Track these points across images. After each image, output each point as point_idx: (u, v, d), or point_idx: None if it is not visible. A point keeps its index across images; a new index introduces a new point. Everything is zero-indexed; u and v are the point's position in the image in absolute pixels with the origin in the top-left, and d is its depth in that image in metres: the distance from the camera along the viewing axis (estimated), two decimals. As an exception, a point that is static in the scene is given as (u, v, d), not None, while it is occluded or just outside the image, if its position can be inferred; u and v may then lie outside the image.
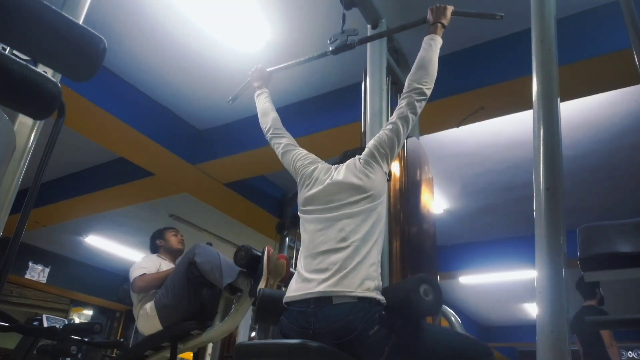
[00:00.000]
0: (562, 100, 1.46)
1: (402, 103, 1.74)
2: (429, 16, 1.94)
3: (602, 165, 4.52)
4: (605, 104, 3.71)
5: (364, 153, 1.74)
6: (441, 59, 3.48)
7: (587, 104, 3.61)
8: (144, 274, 2.62)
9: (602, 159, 4.43)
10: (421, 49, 1.83)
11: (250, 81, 2.33)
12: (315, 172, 1.78)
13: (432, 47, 1.82)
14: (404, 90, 1.76)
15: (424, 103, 1.75)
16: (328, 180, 1.71)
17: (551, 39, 1.49)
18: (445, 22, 1.91)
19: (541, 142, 1.39)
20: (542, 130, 1.40)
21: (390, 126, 1.72)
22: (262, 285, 2.19)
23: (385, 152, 1.70)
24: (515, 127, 3.92)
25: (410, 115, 1.72)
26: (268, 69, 2.30)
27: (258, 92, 2.26)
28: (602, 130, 4.03)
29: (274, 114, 2.14)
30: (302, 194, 1.77)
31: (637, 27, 1.39)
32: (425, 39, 1.85)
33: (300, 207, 1.77)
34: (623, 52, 2.71)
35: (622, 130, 4.01)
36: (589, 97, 3.32)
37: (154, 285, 2.59)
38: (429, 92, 1.76)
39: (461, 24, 3.21)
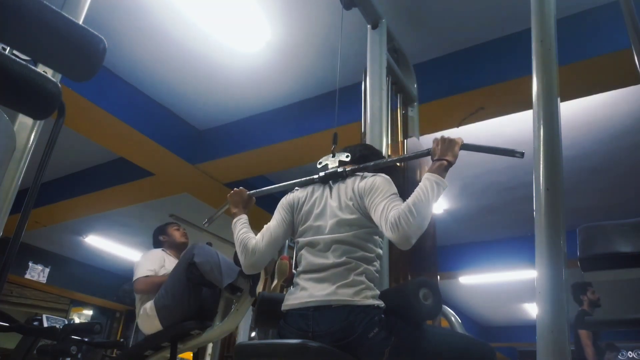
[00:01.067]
0: (562, 100, 1.46)
1: (382, 224, 1.47)
2: (434, 148, 1.61)
3: (602, 165, 4.52)
4: (605, 104, 3.71)
5: (362, 190, 1.60)
6: (441, 59, 3.50)
7: (587, 104, 3.61)
8: (148, 276, 2.62)
9: (602, 159, 4.42)
10: (422, 183, 1.51)
11: (229, 206, 2.01)
12: (306, 206, 1.72)
13: (434, 191, 1.49)
14: (389, 220, 1.44)
15: (399, 244, 1.45)
16: (322, 207, 1.67)
17: (551, 39, 1.49)
18: (451, 159, 1.56)
19: (541, 142, 1.39)
20: (542, 130, 1.40)
21: (376, 215, 1.51)
22: (261, 285, 2.19)
23: (365, 212, 1.57)
24: (515, 127, 3.92)
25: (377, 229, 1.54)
26: (248, 193, 1.99)
27: (235, 218, 1.90)
28: (602, 130, 4.03)
29: (254, 246, 1.74)
30: (300, 228, 1.72)
31: (637, 27, 1.39)
32: (428, 176, 1.52)
33: (297, 238, 1.73)
34: (623, 52, 2.71)
35: (622, 130, 4.01)
36: (589, 97, 3.33)
37: (156, 289, 2.59)
38: (411, 241, 1.42)
39: (461, 24, 3.23)
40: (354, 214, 1.59)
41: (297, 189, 1.82)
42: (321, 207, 1.68)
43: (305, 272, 1.62)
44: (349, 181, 1.68)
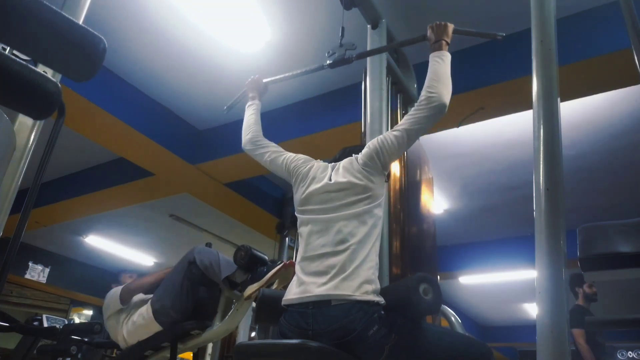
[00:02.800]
0: (562, 100, 1.46)
1: (416, 113, 1.65)
2: (430, 34, 1.83)
3: (602, 165, 4.53)
4: (605, 104, 3.72)
5: (363, 153, 1.69)
6: (441, 59, 3.49)
7: (587, 104, 3.61)
8: (126, 285, 2.60)
9: (602, 158, 4.43)
10: (432, 63, 1.73)
11: (246, 91, 2.31)
12: (311, 171, 1.76)
13: (445, 62, 1.72)
14: (421, 101, 1.65)
15: (440, 117, 1.65)
16: (325, 180, 1.69)
17: (551, 39, 1.49)
18: (448, 39, 1.80)
19: (541, 142, 1.39)
20: (542, 130, 1.40)
21: (397, 132, 1.66)
22: (256, 287, 2.18)
23: (385, 158, 1.66)
24: (515, 127, 3.92)
25: (421, 129, 1.66)
26: (264, 80, 2.27)
27: (250, 102, 2.25)
28: (602, 130, 4.03)
29: (254, 127, 2.13)
30: (299, 194, 1.75)
31: (637, 27, 1.39)
32: (434, 54, 1.75)
33: (297, 207, 1.75)
34: (623, 52, 2.71)
35: (622, 130, 4.01)
36: (589, 97, 3.33)
37: (141, 290, 2.57)
38: (447, 105, 1.64)
39: (461, 24, 3.22)
40: (360, 180, 1.62)
41: (299, 159, 1.88)
42: (321, 187, 1.69)
43: (305, 259, 1.61)
44: (346, 162, 1.72)
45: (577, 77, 2.98)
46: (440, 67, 1.70)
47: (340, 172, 1.68)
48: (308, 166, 1.81)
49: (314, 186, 1.70)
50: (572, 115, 3.79)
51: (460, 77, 3.28)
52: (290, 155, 1.93)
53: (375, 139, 1.72)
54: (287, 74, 2.22)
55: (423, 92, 1.67)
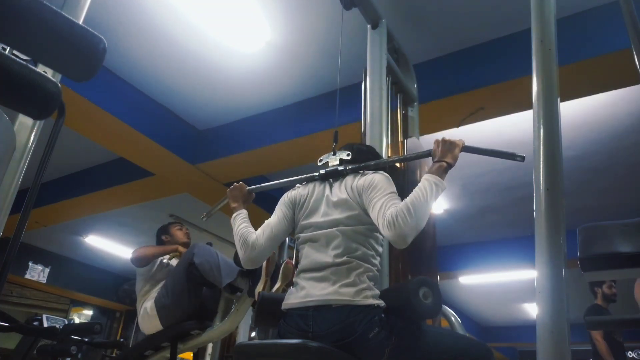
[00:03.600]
0: (562, 100, 1.46)
1: (380, 222, 1.47)
2: (435, 149, 1.62)
3: (602, 165, 4.52)
4: (605, 104, 3.71)
5: (359, 185, 1.62)
6: (441, 59, 3.50)
7: (587, 104, 3.61)
8: (144, 246, 2.71)
9: (602, 159, 4.42)
10: (423, 182, 1.51)
11: (228, 201, 2.00)
12: (308, 203, 1.72)
13: (433, 192, 1.49)
14: (390, 219, 1.43)
15: (390, 232, 1.43)
16: (323, 207, 1.67)
17: (551, 39, 1.49)
18: (451, 161, 1.57)
19: (541, 142, 1.39)
20: (542, 130, 1.40)
21: (376, 214, 1.50)
22: (260, 287, 2.19)
23: (364, 209, 1.58)
24: (515, 127, 3.92)
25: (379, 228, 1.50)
26: (248, 188, 2.00)
27: (235, 212, 1.89)
28: (602, 130, 4.03)
29: (254, 240, 1.75)
30: (301, 224, 1.72)
31: (637, 27, 1.39)
32: (427, 177, 1.53)
33: (297, 233, 1.74)
34: (623, 52, 2.70)
35: (622, 131, 4.01)
36: (589, 97, 3.32)
37: (149, 259, 2.66)
38: (408, 241, 1.43)
39: (461, 24, 3.23)
40: (354, 210, 1.60)
41: (299, 186, 1.83)
42: (322, 204, 1.69)
43: (305, 270, 1.62)
44: (349, 178, 1.69)
45: (577, 77, 2.97)
46: (426, 195, 1.47)
47: (342, 189, 1.67)
48: (302, 199, 1.74)
49: (313, 219, 1.68)
50: (572, 115, 3.79)
51: (460, 77, 3.31)
52: (274, 219, 1.77)
53: (377, 195, 1.55)
54: (273, 182, 2.00)
55: (391, 214, 1.43)
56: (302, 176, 1.83)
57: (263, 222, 1.80)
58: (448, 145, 1.60)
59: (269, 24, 3.20)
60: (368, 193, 1.57)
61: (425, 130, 3.14)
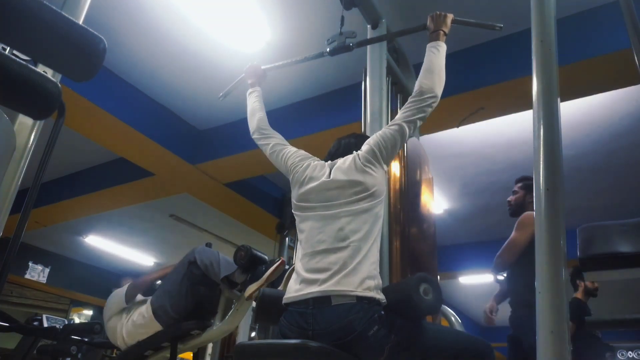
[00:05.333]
0: (562, 100, 1.46)
1: (411, 106, 1.70)
2: (429, 23, 1.90)
3: (602, 165, 4.53)
4: (605, 104, 3.72)
5: (365, 150, 1.69)
6: (441, 59, 3.49)
7: (587, 104, 3.61)
8: (131, 282, 2.62)
9: (602, 158, 4.43)
10: (428, 53, 1.79)
11: (245, 77, 2.28)
12: (308, 169, 1.75)
13: (440, 52, 1.79)
14: (415, 93, 1.72)
15: (434, 107, 1.73)
16: (324, 178, 1.68)
17: (551, 39, 1.49)
18: (446, 30, 1.87)
19: (541, 142, 1.39)
20: (542, 130, 1.40)
21: (395, 127, 1.68)
22: (254, 287, 2.18)
23: (387, 152, 1.67)
24: (515, 127, 3.92)
25: (418, 120, 1.70)
26: (263, 67, 2.25)
27: (250, 90, 2.21)
28: (602, 130, 4.03)
29: (260, 114, 2.11)
30: (296, 192, 1.75)
31: (637, 27, 1.39)
32: (430, 45, 1.82)
33: (295, 204, 1.74)
34: (623, 52, 2.71)
35: (622, 130, 4.01)
36: (589, 97, 3.33)
37: (147, 285, 2.61)
38: (439, 96, 1.73)
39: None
40: (362, 175, 1.61)
41: (299, 157, 1.86)
42: (320, 181, 1.69)
43: (305, 256, 1.60)
44: (347, 159, 1.70)
45: (577, 77, 2.98)
46: (435, 57, 1.76)
47: (341, 169, 1.67)
48: (305, 164, 1.79)
49: (311, 184, 1.69)
50: (572, 115, 3.79)
51: (460, 77, 3.31)
52: (290, 150, 1.92)
53: (375, 135, 1.73)
54: (285, 61, 2.22)
55: (417, 84, 1.73)
56: (312, 54, 2.08)
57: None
58: (442, 17, 1.88)
59: (269, 24, 3.20)
60: (380, 141, 1.67)
61: (425, 130, 3.14)
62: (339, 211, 1.60)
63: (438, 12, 1.89)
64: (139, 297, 2.67)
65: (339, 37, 2.03)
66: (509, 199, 3.26)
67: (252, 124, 2.09)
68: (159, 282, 2.68)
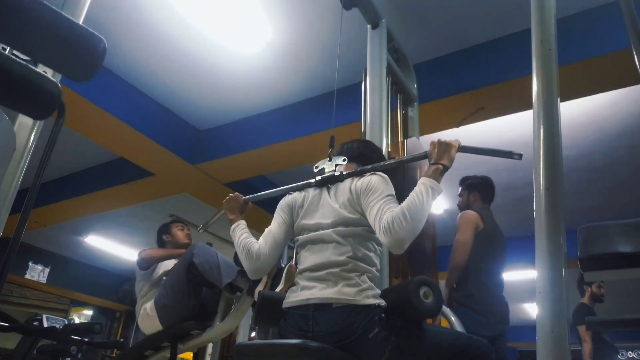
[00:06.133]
0: (562, 100, 1.46)
1: (378, 226, 1.46)
2: (431, 150, 1.60)
3: (602, 165, 4.52)
4: (605, 104, 3.71)
5: (359, 189, 1.60)
6: (441, 59, 3.50)
7: (587, 104, 3.61)
8: (146, 249, 2.74)
9: (602, 159, 4.42)
10: (419, 186, 1.49)
11: (224, 212, 1.99)
12: (305, 206, 1.72)
13: (430, 196, 1.48)
14: (386, 224, 1.42)
15: (386, 237, 1.43)
16: (322, 208, 1.67)
17: (551, 39, 1.49)
18: (447, 163, 1.56)
19: (541, 142, 1.39)
20: (542, 130, 1.40)
21: (373, 218, 1.50)
22: (260, 287, 2.19)
23: (363, 213, 1.57)
24: (515, 127, 3.91)
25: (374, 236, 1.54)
26: (244, 198, 1.97)
27: (234, 224, 1.88)
28: (602, 130, 4.03)
29: (259, 252, 1.71)
30: (299, 224, 1.72)
31: (637, 27, 1.39)
32: (423, 180, 1.51)
33: (296, 235, 1.74)
34: (623, 52, 2.70)
35: (622, 130, 4.01)
36: (589, 97, 3.32)
37: (157, 260, 2.69)
38: (404, 246, 1.42)
39: (461, 24, 3.23)
40: (353, 214, 1.60)
41: (290, 198, 1.82)
42: (320, 206, 1.69)
43: (306, 270, 1.61)
44: (347, 181, 1.69)
45: (577, 77, 2.97)
46: (421, 200, 1.45)
47: (341, 192, 1.66)
48: (300, 202, 1.74)
49: (310, 220, 1.68)
50: (572, 115, 3.79)
51: (460, 77, 3.31)
52: (274, 225, 1.76)
53: (374, 199, 1.54)
54: (269, 191, 1.97)
55: (389, 217, 1.43)
56: (299, 183, 1.81)
57: (265, 224, 1.80)
58: (444, 147, 1.58)
59: (269, 25, 3.20)
60: (366, 196, 1.56)
61: (425, 130, 3.14)
62: (336, 230, 1.59)
63: (442, 140, 1.59)
64: (161, 270, 2.75)
65: (328, 164, 1.75)
66: (457, 203, 3.28)
67: (253, 264, 1.70)
68: (163, 278, 2.71)
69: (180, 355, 2.64)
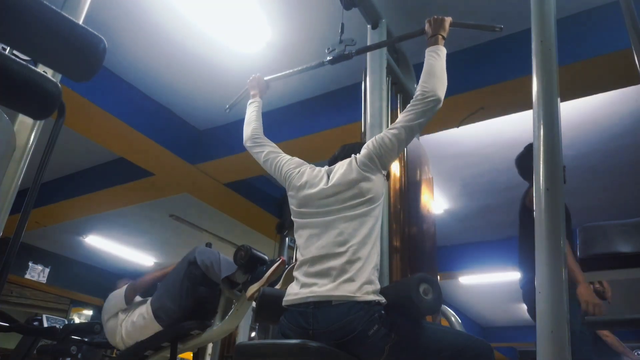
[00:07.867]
0: (562, 100, 1.46)
1: (412, 109, 1.67)
2: (427, 28, 1.88)
3: (602, 165, 4.53)
4: (605, 104, 3.72)
5: (362, 154, 1.69)
6: (441, 59, 3.49)
7: (587, 104, 3.61)
8: (130, 283, 2.60)
9: (602, 158, 4.43)
10: (428, 58, 1.76)
11: (248, 89, 2.34)
12: (305, 176, 1.75)
13: (440, 56, 1.76)
14: (417, 96, 1.68)
15: (436, 110, 1.69)
16: (322, 185, 1.68)
17: (551, 39, 1.49)
18: (444, 34, 1.84)
19: (541, 142, 1.39)
20: (542, 130, 1.40)
21: (394, 131, 1.66)
22: (255, 287, 2.19)
23: (385, 159, 1.66)
24: (515, 127, 3.92)
25: (417, 126, 1.67)
26: (265, 78, 2.30)
27: (251, 100, 2.27)
28: (602, 130, 4.03)
29: (255, 124, 2.14)
30: (294, 198, 1.75)
31: (637, 27, 1.39)
32: (430, 49, 1.79)
33: (294, 211, 1.74)
34: (623, 52, 2.71)
35: (622, 130, 4.01)
36: (589, 97, 3.32)
37: (145, 287, 2.59)
38: (442, 99, 1.69)
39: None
40: (356, 197, 1.60)
41: (293, 164, 1.86)
42: (319, 188, 1.69)
43: (304, 263, 1.61)
44: (345, 164, 1.70)
45: (577, 77, 2.98)
46: (436, 61, 1.74)
47: (338, 174, 1.67)
48: (301, 170, 1.79)
49: (309, 191, 1.69)
50: (572, 115, 3.79)
51: (460, 77, 3.30)
52: (283, 158, 1.92)
53: (374, 138, 1.71)
54: (287, 72, 2.26)
55: (418, 88, 1.70)
56: (313, 63, 2.10)
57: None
58: (439, 22, 1.86)
59: (269, 24, 3.20)
60: (377, 146, 1.66)
61: (425, 130, 3.14)
62: (337, 217, 1.60)
63: (435, 17, 1.87)
64: (138, 298, 2.67)
65: (339, 46, 2.06)
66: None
67: (246, 133, 2.13)
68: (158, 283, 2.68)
69: (180, 355, 2.64)
